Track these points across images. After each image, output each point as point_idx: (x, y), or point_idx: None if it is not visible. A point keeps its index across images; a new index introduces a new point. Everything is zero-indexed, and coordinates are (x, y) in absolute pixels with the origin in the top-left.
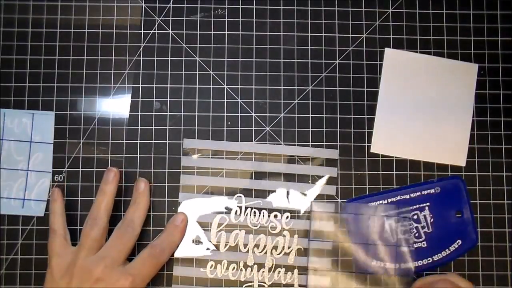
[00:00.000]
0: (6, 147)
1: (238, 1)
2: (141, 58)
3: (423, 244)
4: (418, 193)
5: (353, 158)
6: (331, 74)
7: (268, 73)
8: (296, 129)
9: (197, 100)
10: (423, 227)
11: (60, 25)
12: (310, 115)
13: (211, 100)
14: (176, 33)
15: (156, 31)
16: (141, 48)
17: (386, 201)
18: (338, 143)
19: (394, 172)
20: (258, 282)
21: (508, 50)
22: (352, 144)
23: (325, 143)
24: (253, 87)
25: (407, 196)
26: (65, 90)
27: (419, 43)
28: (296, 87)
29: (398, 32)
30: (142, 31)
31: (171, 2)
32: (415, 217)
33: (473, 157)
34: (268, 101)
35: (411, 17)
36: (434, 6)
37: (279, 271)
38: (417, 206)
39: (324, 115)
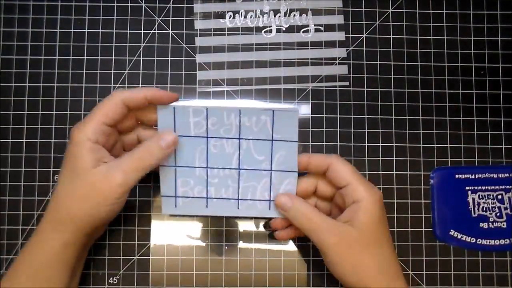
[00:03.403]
0: (245, 146)
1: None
2: (141, 58)
3: (503, 224)
4: (507, 175)
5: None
6: (332, 74)
7: (268, 73)
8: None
9: (197, 99)
10: (505, 208)
11: (60, 25)
12: (310, 115)
13: (211, 99)
14: (176, 33)
15: (156, 31)
16: (141, 48)
17: (474, 176)
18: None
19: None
20: (276, 26)
21: (508, 50)
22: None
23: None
24: (253, 87)
25: (495, 175)
26: (65, 90)
27: (419, 43)
28: (296, 87)
29: (398, 32)
30: (142, 31)
31: (171, 2)
32: (500, 197)
33: (473, 157)
34: (268, 101)
35: (411, 17)
36: (434, 6)
37: (294, 15)
38: (504, 186)
39: (324, 115)
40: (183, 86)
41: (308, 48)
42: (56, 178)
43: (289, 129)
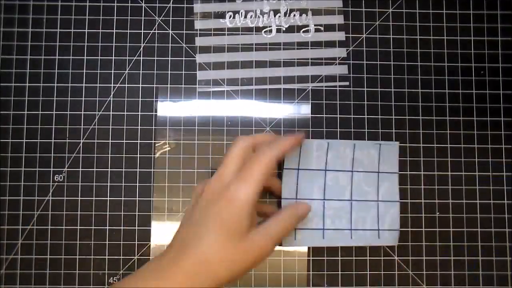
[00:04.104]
0: (356, 179)
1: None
2: (141, 58)
3: None
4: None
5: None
6: (332, 74)
7: (268, 73)
8: (296, 129)
9: (197, 100)
10: None
11: (60, 25)
12: (310, 115)
13: (211, 100)
14: (176, 33)
15: (156, 31)
16: (141, 48)
17: None
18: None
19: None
20: (276, 26)
21: (508, 50)
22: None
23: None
24: (253, 87)
25: None
26: (65, 90)
27: (419, 43)
28: (296, 87)
29: (398, 32)
30: (142, 31)
31: (171, 2)
32: None
33: (473, 157)
34: (268, 101)
35: (411, 17)
36: (434, 6)
37: (294, 15)
38: None
39: (324, 115)
40: (183, 86)
41: (308, 48)
42: (57, 178)
43: (391, 161)
